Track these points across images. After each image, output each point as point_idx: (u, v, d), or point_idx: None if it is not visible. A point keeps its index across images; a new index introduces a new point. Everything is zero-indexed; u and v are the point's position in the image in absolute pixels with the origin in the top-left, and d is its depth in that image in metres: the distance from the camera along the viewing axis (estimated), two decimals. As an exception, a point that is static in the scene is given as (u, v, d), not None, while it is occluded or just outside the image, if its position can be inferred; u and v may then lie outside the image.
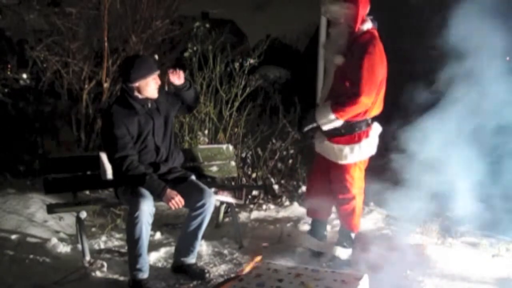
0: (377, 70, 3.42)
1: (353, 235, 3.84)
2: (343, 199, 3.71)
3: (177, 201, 3.28)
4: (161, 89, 3.53)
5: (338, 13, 3.47)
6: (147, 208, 3.16)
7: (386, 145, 3.80)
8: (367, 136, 3.60)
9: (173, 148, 3.57)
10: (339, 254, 3.80)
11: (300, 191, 5.36)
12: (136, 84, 3.31)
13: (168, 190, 3.28)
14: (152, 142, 3.40)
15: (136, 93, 3.34)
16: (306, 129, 3.64)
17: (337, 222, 4.83)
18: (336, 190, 3.72)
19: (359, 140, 3.58)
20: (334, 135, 3.60)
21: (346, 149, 3.57)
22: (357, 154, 3.59)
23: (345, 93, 3.47)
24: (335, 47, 3.53)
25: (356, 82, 3.39)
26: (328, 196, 3.79)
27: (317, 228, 3.99)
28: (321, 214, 3.96)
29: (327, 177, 3.76)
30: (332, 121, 3.52)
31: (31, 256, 3.69)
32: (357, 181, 3.69)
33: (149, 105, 3.39)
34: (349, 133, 3.57)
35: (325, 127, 3.57)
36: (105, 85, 5.47)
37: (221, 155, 4.53)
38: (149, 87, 3.34)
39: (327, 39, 3.67)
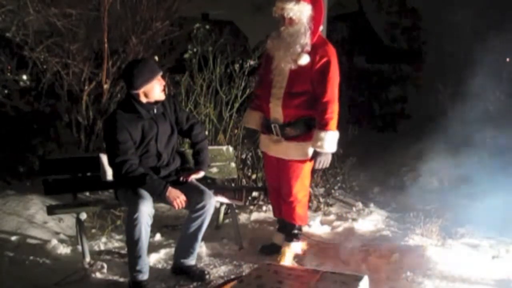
0: (338, 73, 3.62)
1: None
2: (303, 197, 3.85)
3: (182, 201, 3.28)
4: (172, 98, 3.58)
5: (303, 14, 3.54)
6: (147, 210, 3.17)
7: None
8: None
9: (175, 153, 3.57)
10: (294, 249, 3.91)
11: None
12: (142, 90, 3.31)
13: (170, 189, 3.28)
14: (155, 148, 3.39)
15: (142, 98, 3.33)
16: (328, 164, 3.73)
17: (337, 223, 4.85)
18: (292, 189, 3.78)
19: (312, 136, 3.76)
20: (296, 136, 3.69)
21: (308, 145, 3.69)
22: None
23: (302, 92, 3.60)
24: (295, 46, 3.56)
25: (328, 89, 3.54)
26: None
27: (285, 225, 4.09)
28: None
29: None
30: (336, 138, 3.63)
31: (31, 257, 3.69)
32: (309, 176, 3.90)
33: (155, 110, 3.38)
34: (309, 130, 3.69)
35: (335, 148, 3.66)
36: (105, 86, 5.47)
37: (221, 157, 4.53)
38: (155, 89, 3.34)
39: (277, 37, 3.68)
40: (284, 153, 3.75)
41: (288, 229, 3.94)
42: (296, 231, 3.92)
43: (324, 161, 3.63)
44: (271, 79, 3.71)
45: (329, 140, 3.55)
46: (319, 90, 3.56)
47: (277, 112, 3.70)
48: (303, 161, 3.74)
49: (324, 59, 3.55)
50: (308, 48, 3.56)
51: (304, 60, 3.54)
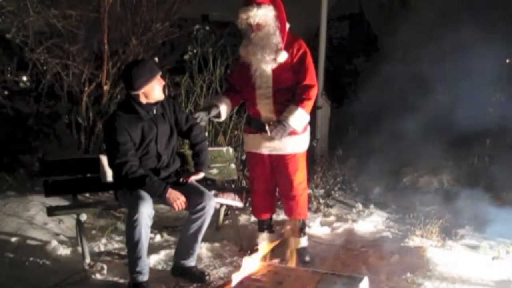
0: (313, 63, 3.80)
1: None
2: (303, 189, 3.91)
3: (182, 202, 3.28)
4: (171, 100, 3.58)
5: (267, 16, 3.63)
6: (146, 211, 3.16)
7: None
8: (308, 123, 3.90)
9: (175, 154, 3.57)
10: (303, 244, 3.98)
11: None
12: (142, 91, 3.30)
13: (170, 190, 3.28)
14: (155, 149, 3.39)
15: (142, 99, 3.33)
16: (281, 137, 3.72)
17: (337, 224, 4.85)
18: (292, 182, 3.84)
19: (306, 128, 3.86)
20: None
21: (303, 137, 3.82)
22: (307, 142, 3.90)
23: (289, 87, 3.69)
24: (270, 46, 3.66)
25: (308, 75, 3.68)
26: (274, 193, 4.07)
27: (269, 224, 4.16)
28: (273, 211, 4.17)
29: (272, 176, 3.94)
30: (304, 120, 3.71)
31: (31, 258, 3.69)
32: (305, 166, 3.96)
33: (154, 111, 3.38)
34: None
35: (299, 128, 3.71)
36: (105, 87, 5.47)
37: (221, 158, 4.53)
38: (155, 90, 3.34)
39: (249, 43, 3.77)
40: (281, 148, 3.79)
41: (297, 223, 4.00)
42: (301, 226, 4.00)
43: (280, 132, 3.64)
44: (253, 82, 3.76)
45: (297, 117, 3.63)
46: (300, 76, 3.69)
47: (268, 110, 3.76)
48: (300, 153, 3.85)
49: (301, 51, 3.71)
50: (282, 45, 3.67)
51: (283, 57, 3.66)
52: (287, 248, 3.90)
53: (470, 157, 6.83)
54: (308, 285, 2.74)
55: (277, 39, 3.66)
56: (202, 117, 3.74)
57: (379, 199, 6.07)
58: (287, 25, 3.73)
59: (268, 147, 3.82)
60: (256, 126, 3.84)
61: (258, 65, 3.72)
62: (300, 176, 3.86)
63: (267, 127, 3.66)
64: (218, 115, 3.86)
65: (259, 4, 3.60)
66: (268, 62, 3.67)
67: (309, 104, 3.67)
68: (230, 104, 3.93)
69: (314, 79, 3.71)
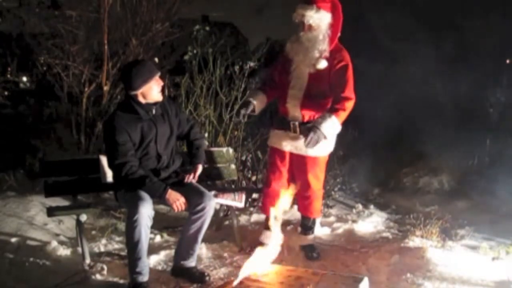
0: (353, 77, 3.78)
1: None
2: (318, 190, 3.97)
3: (182, 203, 3.29)
4: (171, 101, 3.59)
5: (322, 21, 3.69)
6: (146, 211, 3.16)
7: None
8: None
9: (175, 154, 3.57)
10: (310, 241, 4.11)
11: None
12: (140, 91, 3.31)
13: (170, 191, 3.28)
14: (154, 150, 3.39)
15: (140, 99, 3.34)
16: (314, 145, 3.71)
17: (337, 224, 4.86)
18: (309, 183, 3.90)
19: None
20: None
21: (326, 141, 3.80)
22: (331, 146, 3.92)
23: (321, 95, 3.74)
24: (314, 51, 3.71)
25: (347, 87, 3.69)
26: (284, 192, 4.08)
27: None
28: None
29: (289, 175, 3.99)
30: (336, 128, 3.72)
31: (31, 259, 3.69)
32: (324, 170, 4.02)
33: (154, 111, 3.38)
34: None
35: (330, 136, 3.74)
36: (105, 88, 5.47)
37: (221, 158, 4.53)
38: (153, 90, 3.34)
39: (296, 40, 3.82)
40: (302, 149, 3.82)
41: (303, 222, 4.09)
42: (311, 224, 4.07)
43: (314, 140, 3.64)
44: (288, 80, 3.83)
45: (330, 125, 3.65)
46: (338, 89, 3.70)
47: (296, 111, 3.82)
48: (322, 157, 3.89)
49: (342, 63, 3.72)
50: (326, 54, 3.69)
51: (322, 65, 3.68)
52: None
53: (470, 157, 6.83)
54: (308, 285, 2.74)
55: (323, 46, 3.69)
56: (244, 114, 3.86)
57: (379, 199, 6.07)
58: (338, 35, 3.77)
59: (291, 146, 3.88)
60: (281, 124, 3.90)
61: (297, 65, 3.78)
62: (318, 180, 3.93)
63: (303, 138, 3.69)
64: (253, 110, 3.94)
65: (318, 8, 3.65)
66: (307, 66, 3.73)
67: (343, 114, 3.69)
68: (265, 99, 3.98)
69: (352, 92, 3.72)
